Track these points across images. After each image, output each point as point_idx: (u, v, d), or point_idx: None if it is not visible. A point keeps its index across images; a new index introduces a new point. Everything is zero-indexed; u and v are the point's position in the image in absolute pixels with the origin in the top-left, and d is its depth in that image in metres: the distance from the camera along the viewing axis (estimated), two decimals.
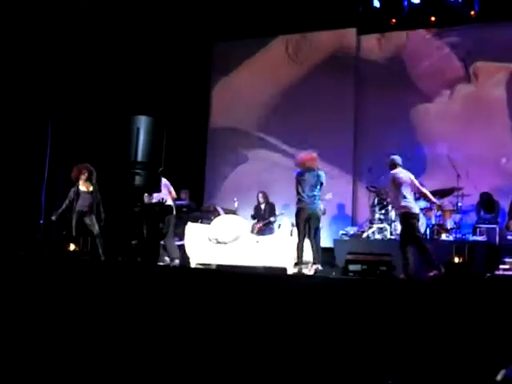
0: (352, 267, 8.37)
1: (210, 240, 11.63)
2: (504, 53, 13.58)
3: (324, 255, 10.80)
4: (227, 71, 16.19)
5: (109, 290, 6.93)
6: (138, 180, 8.98)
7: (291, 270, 10.61)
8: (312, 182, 10.01)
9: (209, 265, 11.39)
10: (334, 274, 10.35)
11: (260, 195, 13.80)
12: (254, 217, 13.70)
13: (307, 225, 10.03)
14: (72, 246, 10.43)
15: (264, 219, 13.54)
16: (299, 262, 10.05)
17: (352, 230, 12.98)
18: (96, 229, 11.18)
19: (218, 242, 11.58)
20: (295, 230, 11.73)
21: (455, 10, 13.43)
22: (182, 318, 6.46)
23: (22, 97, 13.42)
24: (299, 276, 9.54)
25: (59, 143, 13.64)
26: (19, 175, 13.29)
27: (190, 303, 6.55)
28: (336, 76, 15.03)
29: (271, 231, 13.32)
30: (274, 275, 8.62)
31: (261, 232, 13.12)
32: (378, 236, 12.26)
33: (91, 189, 11.30)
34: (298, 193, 10.07)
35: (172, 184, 11.54)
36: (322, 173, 10.15)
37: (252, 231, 12.99)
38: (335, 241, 12.64)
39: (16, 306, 7.16)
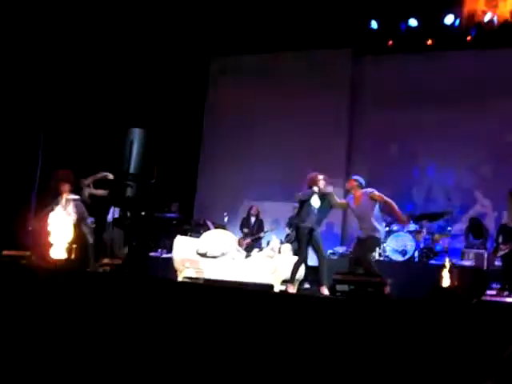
0: (339, 287, 8.31)
1: (198, 254, 11.59)
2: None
3: (312, 274, 10.81)
4: (223, 85, 16.22)
5: (95, 301, 6.89)
6: (129, 191, 8.97)
7: (278, 288, 10.60)
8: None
9: (196, 279, 11.34)
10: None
11: (253, 208, 13.78)
12: (241, 229, 13.65)
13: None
14: (56, 255, 10.35)
15: (252, 234, 13.50)
16: (290, 280, 10.11)
17: (341, 250, 12.97)
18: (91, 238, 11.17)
19: (206, 256, 11.54)
20: (283, 247, 11.77)
21: (452, 34, 13.52)
22: (167, 330, 6.43)
23: (14, 106, 13.40)
24: (286, 294, 9.52)
25: (51, 154, 13.63)
26: (10, 184, 13.25)
27: (176, 317, 6.52)
28: (331, 94, 15.09)
29: (259, 247, 13.30)
30: (260, 292, 8.58)
31: (249, 247, 13.06)
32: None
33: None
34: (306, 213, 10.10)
35: (163, 196, 11.53)
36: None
37: (240, 246, 12.97)
38: None
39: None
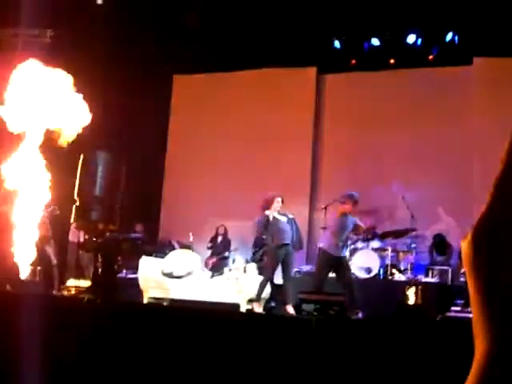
0: (305, 306, 8.35)
1: (164, 274, 11.54)
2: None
3: (276, 292, 10.82)
4: (187, 104, 16.21)
5: (57, 324, 6.82)
6: (94, 215, 8.97)
7: (244, 307, 10.59)
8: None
9: (162, 299, 11.28)
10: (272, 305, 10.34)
11: (221, 228, 13.78)
12: (208, 248, 13.63)
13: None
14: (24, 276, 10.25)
15: (219, 254, 13.48)
16: (256, 299, 10.15)
17: (305, 268, 12.98)
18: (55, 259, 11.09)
19: (172, 276, 11.50)
20: (248, 266, 11.78)
21: (414, 53, 13.70)
22: (135, 355, 6.38)
23: None
24: (252, 313, 9.51)
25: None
26: None
27: (142, 341, 6.48)
28: (295, 111, 15.17)
29: (225, 266, 13.27)
30: (225, 313, 8.57)
31: (215, 267, 13.02)
32: (331, 275, 12.27)
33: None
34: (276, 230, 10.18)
35: (128, 216, 11.48)
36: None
37: (206, 266, 12.94)
38: None
39: None
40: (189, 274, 11.61)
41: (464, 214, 13.15)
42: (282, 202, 10.29)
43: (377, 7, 12.25)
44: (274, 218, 10.14)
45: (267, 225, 10.17)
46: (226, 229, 13.81)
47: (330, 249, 10.07)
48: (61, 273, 11.35)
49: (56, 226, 11.27)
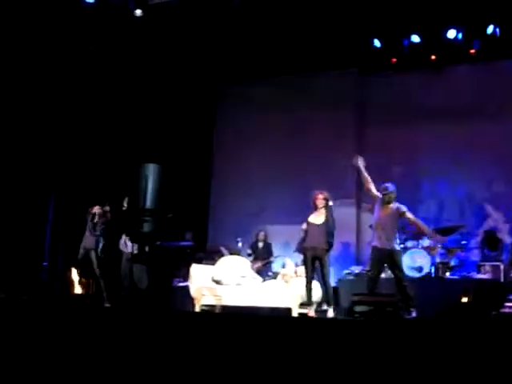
0: (358, 308, 8.31)
1: (214, 281, 11.60)
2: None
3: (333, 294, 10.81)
4: (231, 114, 16.28)
5: (112, 335, 6.90)
6: (146, 227, 9.05)
7: (296, 311, 10.59)
8: None
9: (213, 306, 11.33)
10: (338, 314, 10.34)
11: (261, 233, 13.80)
12: (251, 255, 13.64)
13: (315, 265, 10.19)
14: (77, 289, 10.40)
15: (263, 259, 13.51)
16: (307, 303, 10.19)
17: (357, 269, 12.93)
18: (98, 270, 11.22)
19: (222, 283, 11.55)
20: (299, 269, 11.77)
21: (455, 48, 13.55)
22: (189, 363, 6.43)
23: (25, 139, 13.52)
24: (304, 318, 9.51)
25: (65, 191, 13.74)
26: (24, 216, 13.31)
27: (197, 349, 6.52)
28: (339, 114, 15.15)
29: (270, 271, 13.30)
30: (278, 317, 8.57)
31: (260, 272, 13.03)
32: (382, 275, 12.21)
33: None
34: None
35: (176, 225, 11.57)
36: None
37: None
38: (339, 280, 12.60)
39: (18, 352, 7.12)
40: (239, 280, 11.65)
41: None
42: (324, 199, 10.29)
43: (414, 3, 12.13)
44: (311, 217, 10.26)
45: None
46: (265, 234, 13.83)
47: (377, 242, 9.95)
48: (114, 284, 11.49)
49: (108, 239, 11.42)
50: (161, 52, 14.02)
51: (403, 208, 9.94)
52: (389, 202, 9.96)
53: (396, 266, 9.86)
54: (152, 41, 13.50)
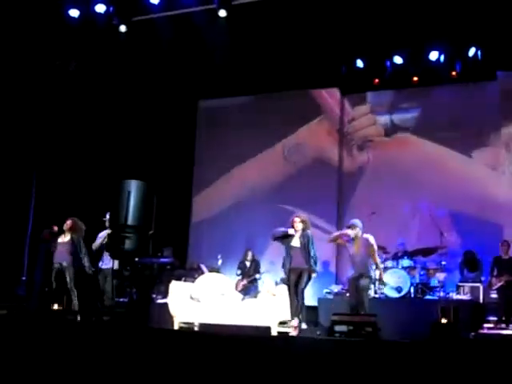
0: (338, 328, 8.31)
1: (193, 298, 11.56)
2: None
3: (308, 314, 10.82)
4: (212, 130, 16.31)
5: (90, 352, 6.85)
6: (128, 244, 9.00)
7: (275, 329, 10.57)
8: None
9: (192, 323, 11.29)
10: (318, 333, 10.32)
11: (249, 253, 13.78)
12: (238, 273, 13.63)
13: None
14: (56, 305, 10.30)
15: (249, 276, 13.49)
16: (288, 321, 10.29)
17: (336, 289, 12.94)
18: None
19: (201, 300, 11.51)
20: (278, 288, 11.76)
21: (437, 69, 13.67)
22: (167, 380, 6.39)
23: (4, 153, 13.45)
24: (284, 337, 9.49)
25: (46, 201, 13.68)
26: (2, 231, 13.21)
27: (175, 366, 6.48)
28: (321, 132, 15.34)
29: (256, 289, 13.27)
30: (256, 336, 8.54)
31: (245, 289, 13.02)
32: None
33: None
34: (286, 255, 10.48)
35: (156, 241, 11.52)
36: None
37: (236, 288, 12.93)
38: (319, 299, 12.59)
39: None
40: (218, 298, 11.63)
41: (491, 232, 13.11)
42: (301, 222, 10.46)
43: (398, 25, 12.23)
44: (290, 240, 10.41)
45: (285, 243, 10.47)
46: (252, 254, 13.82)
47: (351, 274, 10.51)
48: (96, 300, 11.42)
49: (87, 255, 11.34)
50: (143, 68, 14.02)
51: (371, 240, 10.32)
52: (357, 237, 10.32)
53: (359, 290, 10.17)
54: (135, 57, 13.51)
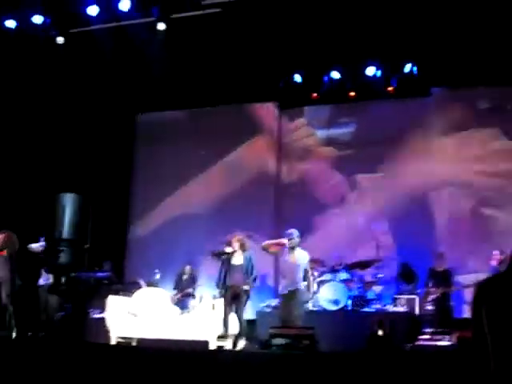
0: (275, 341, 8.33)
1: (130, 313, 11.46)
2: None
3: (246, 327, 10.86)
4: (150, 142, 16.21)
5: (26, 368, 6.72)
6: (63, 257, 8.91)
7: (214, 344, 10.54)
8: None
9: (130, 338, 11.18)
10: (256, 346, 10.34)
11: (187, 267, 13.68)
12: (175, 287, 13.52)
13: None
14: None
15: (182, 290, 13.39)
16: (225, 336, 10.31)
17: (274, 302, 12.94)
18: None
19: (139, 315, 11.42)
20: (216, 302, 11.77)
21: (373, 85, 13.87)
22: None
23: None
24: (222, 350, 9.48)
25: None
26: None
27: (112, 382, 6.40)
28: (259, 145, 15.43)
29: (191, 303, 13.20)
30: (194, 350, 8.51)
31: (179, 303, 12.91)
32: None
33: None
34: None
35: (94, 255, 11.42)
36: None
37: (170, 302, 12.85)
38: (257, 313, 12.60)
39: None
40: (156, 312, 11.55)
41: (426, 244, 13.33)
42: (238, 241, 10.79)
43: (336, 40, 12.39)
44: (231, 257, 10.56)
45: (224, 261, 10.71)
46: (192, 268, 13.76)
47: (283, 289, 10.62)
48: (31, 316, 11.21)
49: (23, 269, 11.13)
50: (81, 80, 13.90)
51: (307, 258, 10.58)
52: (293, 248, 10.49)
53: (293, 305, 10.30)
54: (73, 68, 13.38)
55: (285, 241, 10.50)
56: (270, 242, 11.14)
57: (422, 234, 13.60)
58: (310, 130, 15.29)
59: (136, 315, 11.46)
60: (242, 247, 10.73)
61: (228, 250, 10.68)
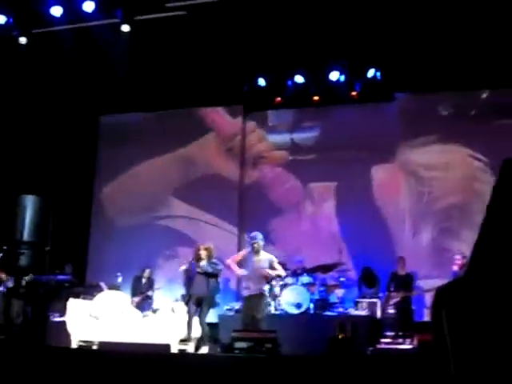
0: (238, 344, 8.34)
1: (91, 316, 11.37)
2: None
3: (208, 331, 10.85)
4: (113, 144, 16.11)
5: None
6: (23, 260, 8.82)
7: (175, 347, 10.52)
8: None
9: (91, 342, 11.10)
10: (218, 350, 10.34)
11: (147, 270, 13.63)
12: (132, 289, 13.45)
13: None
14: None
15: (141, 293, 13.33)
16: (187, 339, 10.28)
17: (237, 305, 12.94)
18: None
19: (100, 318, 11.34)
20: (176, 305, 11.77)
21: (337, 90, 13.94)
22: None
23: None
24: (184, 354, 9.46)
25: None
26: None
27: None
28: (223, 150, 15.39)
29: (150, 306, 13.16)
30: (156, 354, 8.48)
31: (138, 306, 12.84)
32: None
33: None
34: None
35: (55, 258, 11.30)
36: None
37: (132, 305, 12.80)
38: (220, 316, 12.59)
39: None
40: (117, 315, 11.49)
41: (388, 247, 13.45)
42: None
43: (300, 44, 12.43)
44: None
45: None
46: (151, 271, 13.72)
47: (247, 291, 10.75)
48: None
49: None
50: (44, 81, 13.77)
51: (274, 260, 10.74)
52: (258, 251, 10.61)
53: (256, 309, 10.36)
54: (36, 69, 13.25)
55: (245, 251, 10.67)
56: (232, 258, 11.14)
57: (385, 238, 13.72)
58: (260, 133, 15.32)
59: (98, 318, 11.38)
60: (209, 256, 10.75)
61: (182, 268, 11.02)
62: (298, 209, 14.73)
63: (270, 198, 14.87)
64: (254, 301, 10.38)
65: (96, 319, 11.37)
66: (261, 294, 10.42)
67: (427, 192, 13.86)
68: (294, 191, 14.80)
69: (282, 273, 11.04)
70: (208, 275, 10.58)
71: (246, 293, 10.68)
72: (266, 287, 10.89)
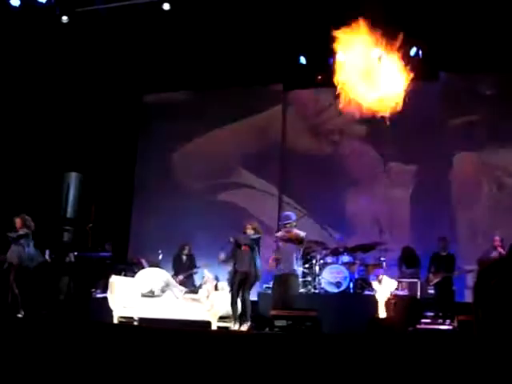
0: (278, 322, 8.37)
1: (133, 293, 11.48)
2: None
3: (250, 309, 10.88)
4: (155, 124, 16.17)
5: (29, 347, 6.75)
6: (66, 236, 8.92)
7: (215, 324, 10.59)
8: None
9: (132, 318, 11.22)
10: (256, 327, 10.39)
11: (186, 247, 13.67)
12: (174, 268, 13.51)
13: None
14: None
15: (185, 271, 13.38)
16: (230, 317, 10.54)
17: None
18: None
19: (141, 295, 11.44)
20: (220, 283, 11.81)
21: None
22: (106, 375, 6.33)
23: None
24: (224, 331, 9.52)
25: None
26: None
27: (114, 361, 6.42)
28: (264, 129, 15.36)
29: (193, 283, 13.23)
30: (197, 330, 8.55)
31: (183, 285, 12.93)
32: (302, 290, 12.29)
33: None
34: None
35: (97, 236, 11.40)
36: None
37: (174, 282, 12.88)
38: (259, 294, 12.61)
39: None
40: (158, 292, 11.58)
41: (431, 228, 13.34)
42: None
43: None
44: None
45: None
46: (190, 247, 13.75)
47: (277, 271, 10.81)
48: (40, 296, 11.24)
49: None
50: (86, 59, 13.86)
51: (302, 234, 10.66)
52: (289, 232, 10.67)
53: (285, 287, 10.43)
54: (77, 48, 13.35)
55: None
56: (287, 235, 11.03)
57: (425, 219, 13.62)
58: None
59: (139, 295, 11.47)
60: (256, 234, 10.74)
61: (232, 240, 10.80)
62: (341, 187, 14.61)
63: (313, 171, 14.80)
64: (284, 279, 10.42)
65: (137, 296, 11.46)
66: (290, 273, 10.44)
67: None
68: (339, 169, 14.72)
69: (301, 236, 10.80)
70: (252, 249, 10.56)
71: (276, 272, 10.76)
72: (300, 269, 10.89)
